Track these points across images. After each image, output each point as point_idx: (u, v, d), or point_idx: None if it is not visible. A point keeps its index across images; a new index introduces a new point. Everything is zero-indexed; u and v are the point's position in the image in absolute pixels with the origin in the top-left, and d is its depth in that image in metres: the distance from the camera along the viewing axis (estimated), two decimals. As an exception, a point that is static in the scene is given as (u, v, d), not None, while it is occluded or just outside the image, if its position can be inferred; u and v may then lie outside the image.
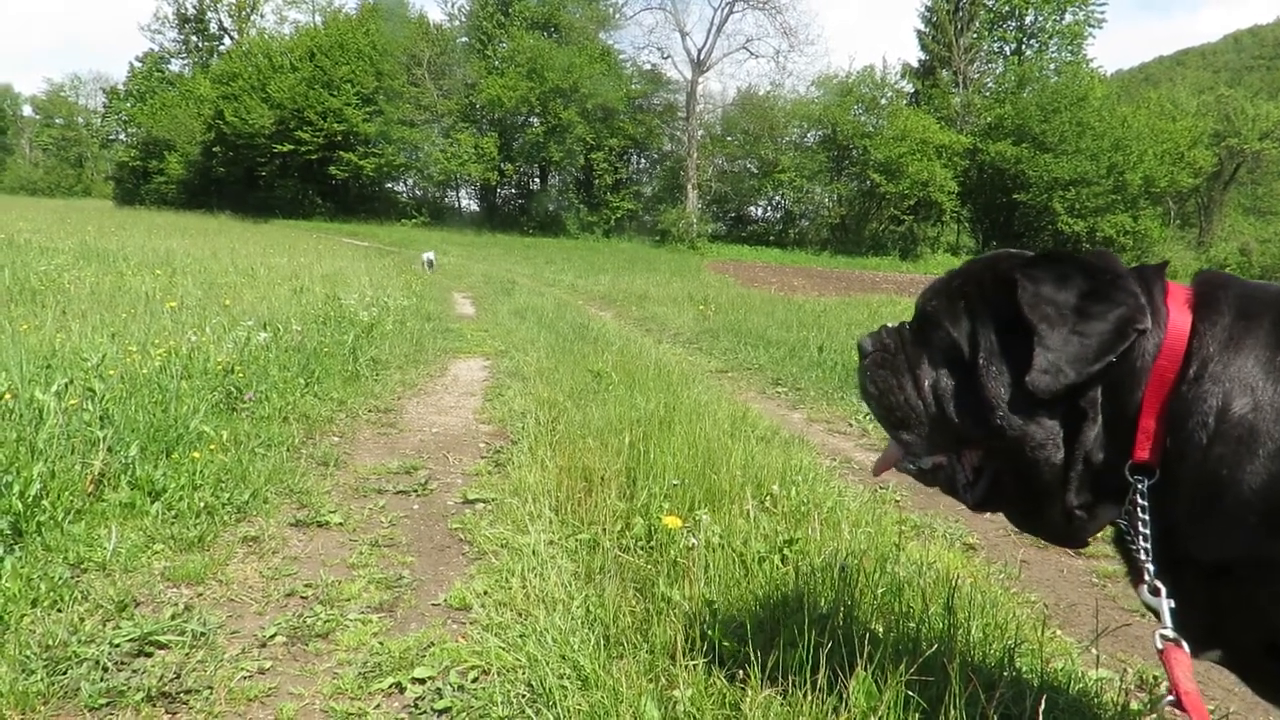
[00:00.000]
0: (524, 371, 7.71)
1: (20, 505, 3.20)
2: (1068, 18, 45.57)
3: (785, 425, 6.35)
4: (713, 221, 42.36)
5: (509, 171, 44.17)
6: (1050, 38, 45.79)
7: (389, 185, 49.53)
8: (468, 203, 49.78)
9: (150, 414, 4.37)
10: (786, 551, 3.18)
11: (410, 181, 49.05)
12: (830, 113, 39.81)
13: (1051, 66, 44.17)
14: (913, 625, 2.66)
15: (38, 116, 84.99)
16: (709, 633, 2.48)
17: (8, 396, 3.96)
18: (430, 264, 20.54)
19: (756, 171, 42.59)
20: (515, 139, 44.49)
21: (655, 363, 8.10)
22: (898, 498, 4.72)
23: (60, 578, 2.91)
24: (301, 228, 38.90)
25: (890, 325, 1.61)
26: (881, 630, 2.64)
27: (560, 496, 3.90)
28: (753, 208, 45.13)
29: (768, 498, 3.86)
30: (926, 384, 1.51)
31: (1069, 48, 45.49)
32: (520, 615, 2.87)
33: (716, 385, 7.79)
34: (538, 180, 47.52)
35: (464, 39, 47.60)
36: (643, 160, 47.44)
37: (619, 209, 41.82)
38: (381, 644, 2.75)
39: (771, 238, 42.00)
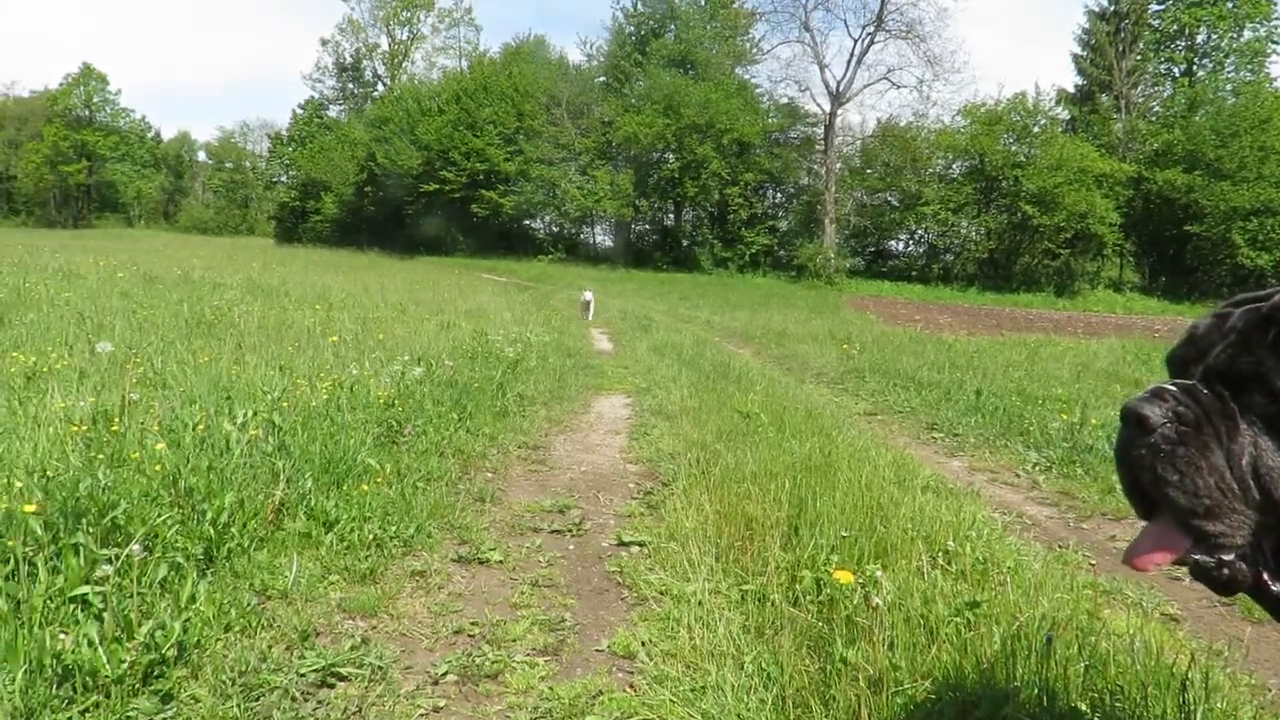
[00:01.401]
0: (668, 410, 7.75)
1: (213, 532, 3.42)
2: (1247, 34, 42.58)
3: (946, 474, 6.09)
4: (851, 256, 41.60)
5: (644, 207, 44.87)
6: (1226, 56, 42.87)
7: (527, 222, 51.28)
8: (602, 238, 50.87)
9: (323, 446, 4.61)
10: (970, 615, 3.01)
11: (547, 218, 50.62)
12: (978, 142, 38.53)
13: (1228, 87, 41.29)
14: (1123, 706, 2.45)
15: (210, 161, 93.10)
16: (897, 700, 2.36)
17: (200, 427, 4.27)
18: (588, 306, 18.33)
19: (898, 204, 41.63)
20: (650, 175, 45.23)
21: (803, 404, 7.99)
22: (1088, 559, 4.40)
23: (248, 604, 3.07)
24: (444, 264, 40.71)
25: (1171, 387, 1.36)
26: (1086, 709, 2.44)
27: (721, 544, 3.84)
28: (893, 242, 44.05)
29: (941, 554, 3.68)
30: (1244, 461, 1.28)
31: (1249, 66, 42.43)
32: (689, 668, 2.82)
33: (868, 429, 7.58)
34: (672, 216, 48.07)
35: (602, 79, 49.04)
36: (779, 194, 47.23)
37: (754, 244, 41.68)
38: (550, 689, 2.76)
39: (914, 273, 40.80)
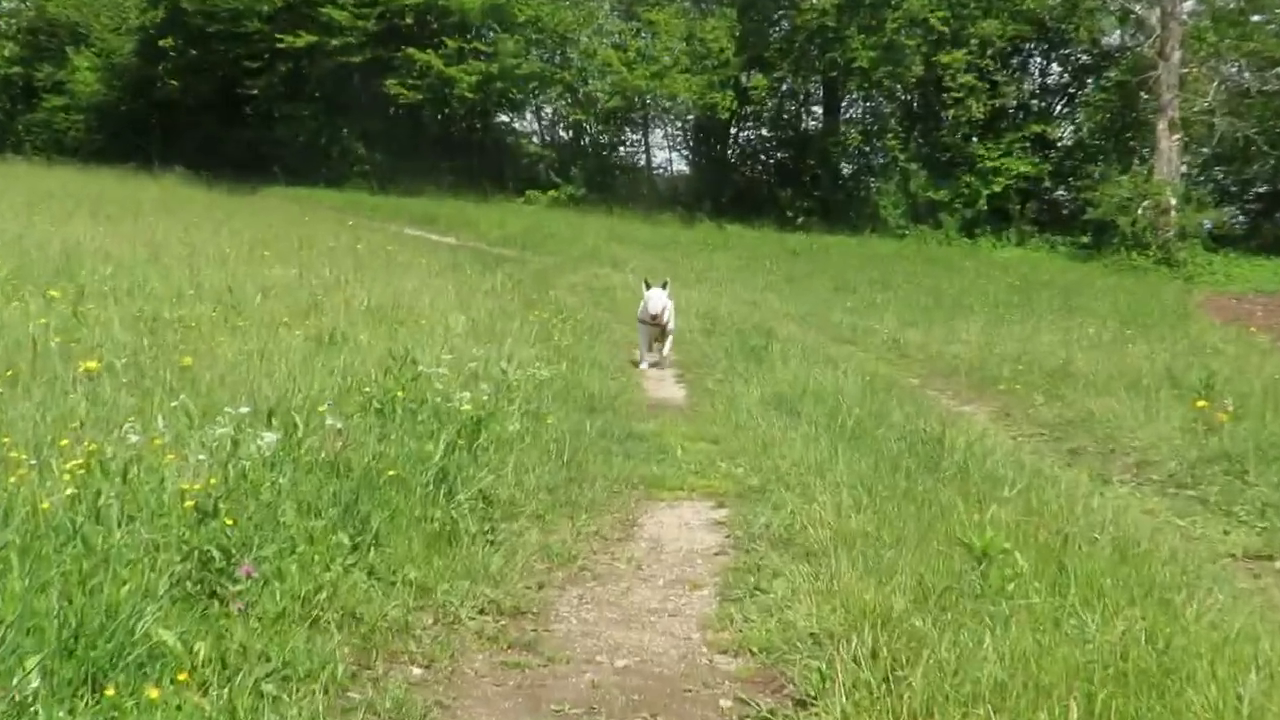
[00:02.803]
0: (805, 537, 7.74)
1: None
2: None
3: None
4: (1213, 205, 41.21)
5: (757, 89, 45.05)
6: None
7: (502, 120, 51.80)
8: (666, 158, 51.21)
9: (66, 599, 4.66)
10: None
11: (548, 112, 51.12)
12: None
13: None
14: None
15: None
16: None
17: None
18: (662, 324, 16.05)
19: (1323, 94, 41.26)
20: (772, 25, 45.49)
21: (1105, 529, 7.89)
22: None
23: None
24: (325, 203, 41.20)
25: None
26: None
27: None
28: (1310, 173, 43.62)
29: None
30: None
31: None
32: None
33: (1254, 589, 7.53)
34: (819, 111, 48.24)
35: None
36: (1054, 68, 47.16)
37: (999, 175, 41.38)
38: None
39: (1358, 246, 40.35)
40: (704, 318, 20.45)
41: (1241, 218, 42.25)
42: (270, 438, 7.35)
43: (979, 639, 5.37)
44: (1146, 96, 40.72)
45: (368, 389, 9.82)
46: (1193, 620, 5.82)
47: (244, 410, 7.77)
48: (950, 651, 5.26)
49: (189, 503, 6.12)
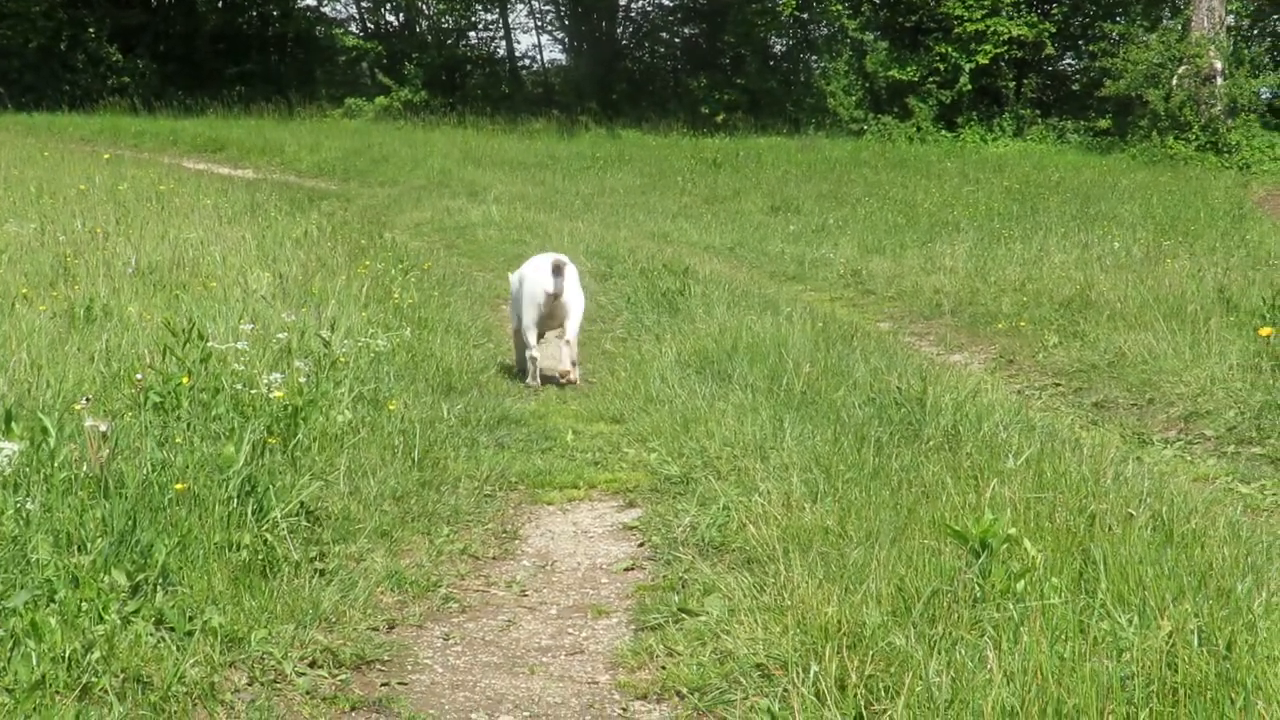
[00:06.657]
0: (743, 540, 7.79)
1: None
2: None
3: None
4: (1274, 67, 41.52)
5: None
6: None
7: (306, 3, 51.50)
8: (530, 44, 51.18)
9: None
10: None
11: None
12: None
13: None
14: None
15: None
16: None
17: None
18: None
19: None
20: None
21: (1143, 503, 7.91)
22: None
23: None
24: (71, 132, 40.72)
25: None
26: None
27: None
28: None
29: None
30: None
31: None
32: None
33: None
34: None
35: None
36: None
37: (985, 42, 41.46)
38: None
39: None
40: (597, 257, 20.43)
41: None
42: (10, 449, 7.30)
43: (980, 656, 5.38)
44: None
45: (141, 376, 9.74)
46: (1261, 614, 5.80)
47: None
48: (943, 674, 5.28)
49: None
